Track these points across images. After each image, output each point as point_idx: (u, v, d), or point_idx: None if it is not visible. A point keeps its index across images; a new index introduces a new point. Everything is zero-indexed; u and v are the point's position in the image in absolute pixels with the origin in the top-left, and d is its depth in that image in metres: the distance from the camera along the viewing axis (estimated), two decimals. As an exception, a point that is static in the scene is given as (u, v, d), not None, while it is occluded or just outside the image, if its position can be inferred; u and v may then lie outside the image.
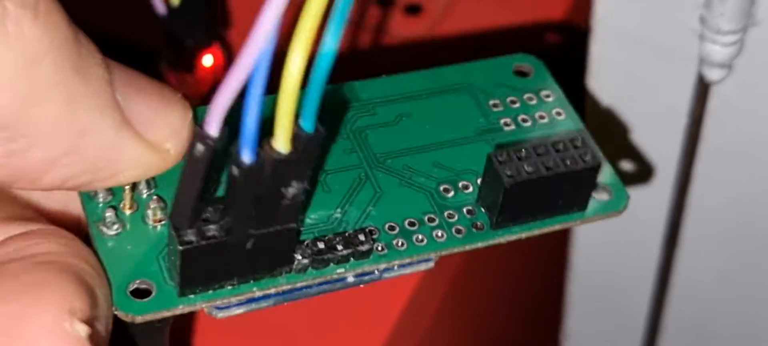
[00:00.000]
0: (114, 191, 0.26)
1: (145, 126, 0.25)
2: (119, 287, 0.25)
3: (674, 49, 0.39)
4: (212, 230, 0.24)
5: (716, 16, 0.35)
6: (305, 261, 0.26)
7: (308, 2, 0.22)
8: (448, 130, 0.29)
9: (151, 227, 0.26)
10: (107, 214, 0.26)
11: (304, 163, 0.24)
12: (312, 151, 0.24)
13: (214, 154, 0.24)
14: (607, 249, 0.49)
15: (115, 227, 0.26)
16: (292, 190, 0.24)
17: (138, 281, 0.25)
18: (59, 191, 0.26)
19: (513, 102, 0.30)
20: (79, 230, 0.26)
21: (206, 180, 0.24)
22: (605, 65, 0.41)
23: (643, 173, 0.43)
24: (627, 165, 0.43)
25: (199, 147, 0.23)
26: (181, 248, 0.24)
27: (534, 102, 0.30)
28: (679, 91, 0.40)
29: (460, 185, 0.28)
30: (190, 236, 0.24)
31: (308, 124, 0.23)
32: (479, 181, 0.28)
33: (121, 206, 0.26)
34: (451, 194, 0.28)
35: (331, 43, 0.23)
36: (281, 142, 0.23)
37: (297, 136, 0.23)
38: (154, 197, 0.26)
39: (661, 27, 0.39)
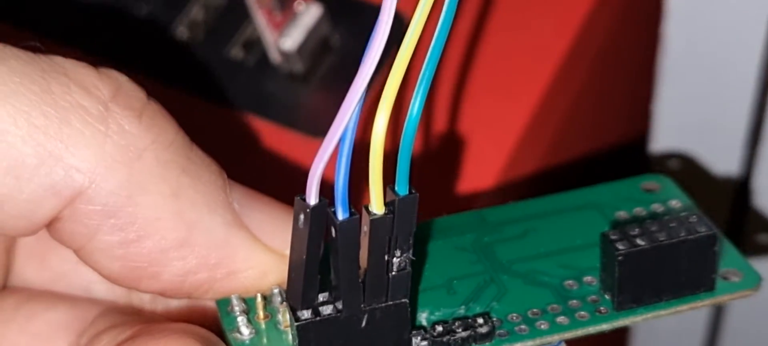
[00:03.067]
0: (248, 304, 0.28)
1: (265, 232, 0.27)
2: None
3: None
4: (327, 309, 0.26)
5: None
6: (424, 344, 0.27)
7: (391, 74, 0.24)
8: (573, 239, 0.30)
9: (283, 331, 0.28)
10: (239, 319, 0.27)
11: (403, 228, 0.25)
12: (407, 214, 0.25)
13: (317, 227, 0.25)
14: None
15: (248, 332, 0.27)
16: (397, 260, 0.26)
17: None
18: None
19: (639, 212, 0.30)
20: None
21: (313, 253, 0.26)
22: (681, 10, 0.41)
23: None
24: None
25: (301, 217, 0.25)
26: (296, 324, 0.26)
27: (661, 210, 0.30)
28: (753, 33, 0.40)
29: (585, 279, 0.28)
30: (305, 314, 0.26)
31: (402, 188, 0.25)
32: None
33: (256, 317, 0.28)
34: (576, 287, 0.28)
35: (416, 109, 0.25)
36: (375, 203, 0.25)
37: (391, 200, 0.25)
38: (285, 303, 0.28)
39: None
